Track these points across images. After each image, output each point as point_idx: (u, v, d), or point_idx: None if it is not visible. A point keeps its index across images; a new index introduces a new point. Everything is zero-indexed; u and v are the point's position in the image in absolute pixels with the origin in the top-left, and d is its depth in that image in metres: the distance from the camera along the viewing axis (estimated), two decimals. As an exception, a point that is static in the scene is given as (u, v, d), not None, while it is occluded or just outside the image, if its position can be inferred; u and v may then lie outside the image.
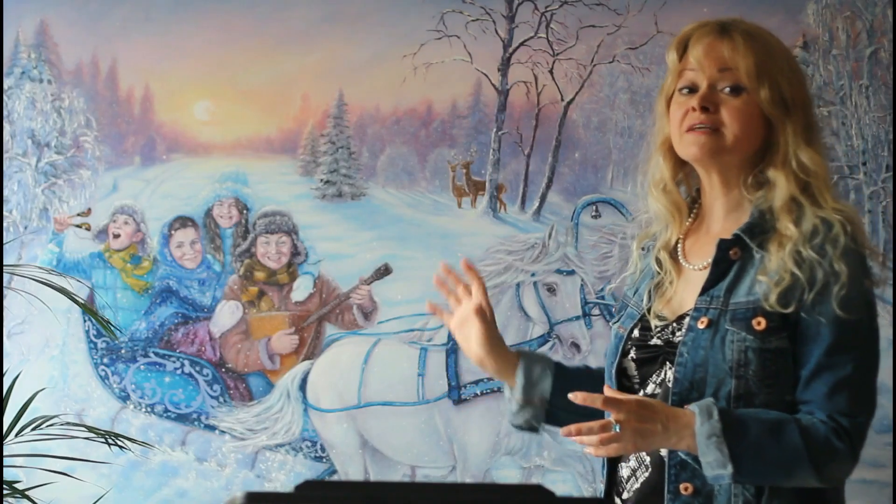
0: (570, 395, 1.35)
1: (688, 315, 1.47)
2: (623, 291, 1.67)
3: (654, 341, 1.50)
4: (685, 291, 1.52)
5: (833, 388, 1.37)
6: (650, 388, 1.50)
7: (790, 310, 1.39)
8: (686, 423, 1.35)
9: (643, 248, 1.64)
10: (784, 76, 1.47)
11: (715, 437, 1.33)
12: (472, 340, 1.58)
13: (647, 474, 1.49)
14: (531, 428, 1.61)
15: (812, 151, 1.46)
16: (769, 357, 1.40)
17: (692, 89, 1.48)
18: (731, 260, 1.46)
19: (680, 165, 1.56)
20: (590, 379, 1.61)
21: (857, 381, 1.38)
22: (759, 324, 1.39)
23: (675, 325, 1.49)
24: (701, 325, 1.43)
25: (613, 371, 1.54)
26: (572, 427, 1.33)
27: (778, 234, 1.43)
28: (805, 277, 1.38)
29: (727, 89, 1.46)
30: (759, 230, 1.46)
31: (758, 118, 1.46)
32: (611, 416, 1.34)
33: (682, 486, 1.42)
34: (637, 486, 1.50)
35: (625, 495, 1.52)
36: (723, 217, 1.53)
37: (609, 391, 1.40)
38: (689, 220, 1.58)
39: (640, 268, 1.63)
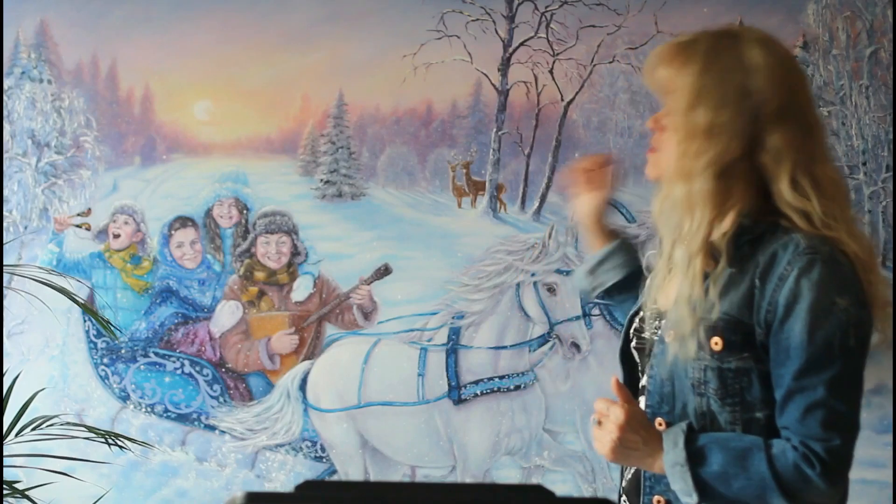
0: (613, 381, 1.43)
1: (665, 319, 1.45)
2: None
3: (647, 335, 1.49)
4: (670, 288, 1.47)
5: (805, 411, 1.31)
6: (644, 380, 1.49)
7: (742, 318, 1.34)
8: (659, 447, 1.36)
9: None
10: (713, 99, 1.36)
11: (679, 466, 1.33)
12: (586, 206, 1.70)
13: (632, 471, 1.51)
14: (593, 290, 1.74)
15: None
16: (729, 376, 1.36)
17: None
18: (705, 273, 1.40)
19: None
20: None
21: (830, 403, 1.30)
22: (717, 344, 1.35)
23: (661, 322, 1.46)
24: (669, 339, 1.41)
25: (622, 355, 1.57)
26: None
27: (742, 254, 1.36)
28: (764, 296, 1.33)
29: None
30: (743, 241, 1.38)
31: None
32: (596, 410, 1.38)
33: (655, 499, 1.43)
34: (629, 476, 1.52)
35: (623, 482, 1.55)
36: None
37: (616, 384, 1.41)
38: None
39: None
